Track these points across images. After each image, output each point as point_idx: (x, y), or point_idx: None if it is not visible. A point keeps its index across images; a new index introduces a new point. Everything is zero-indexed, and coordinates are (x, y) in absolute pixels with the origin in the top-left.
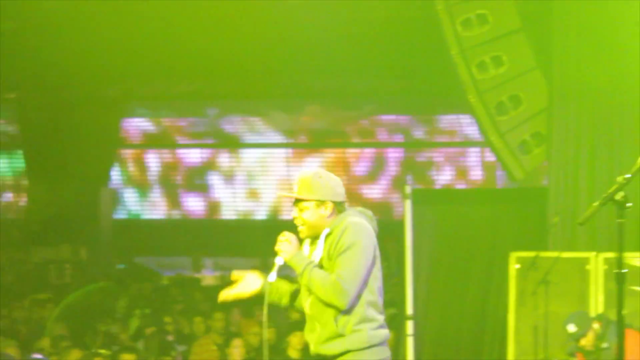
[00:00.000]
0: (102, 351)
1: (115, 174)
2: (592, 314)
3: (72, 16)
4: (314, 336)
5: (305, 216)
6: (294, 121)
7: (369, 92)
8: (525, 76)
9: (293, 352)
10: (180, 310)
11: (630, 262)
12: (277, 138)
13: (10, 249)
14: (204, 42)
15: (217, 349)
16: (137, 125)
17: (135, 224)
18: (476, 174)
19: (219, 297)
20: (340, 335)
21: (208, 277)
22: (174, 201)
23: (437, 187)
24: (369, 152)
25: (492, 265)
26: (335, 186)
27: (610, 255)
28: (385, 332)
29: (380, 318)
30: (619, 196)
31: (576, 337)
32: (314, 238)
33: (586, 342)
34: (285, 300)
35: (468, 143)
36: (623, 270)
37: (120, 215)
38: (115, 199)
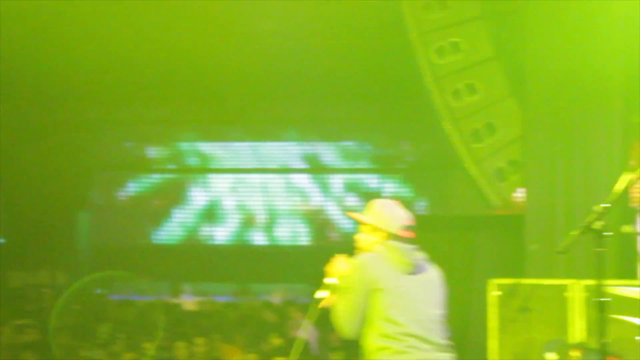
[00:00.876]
0: None
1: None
2: (572, 341)
3: (45, 39)
4: None
5: (359, 237)
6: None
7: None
8: (500, 104)
9: None
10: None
11: (612, 290)
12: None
13: None
14: (176, 67)
15: None
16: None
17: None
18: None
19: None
20: None
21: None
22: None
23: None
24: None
25: (471, 291)
26: (394, 218)
27: (591, 282)
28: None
29: (397, 345)
30: (597, 225)
31: None
32: None
33: None
34: None
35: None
36: (605, 299)
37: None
38: (93, 222)
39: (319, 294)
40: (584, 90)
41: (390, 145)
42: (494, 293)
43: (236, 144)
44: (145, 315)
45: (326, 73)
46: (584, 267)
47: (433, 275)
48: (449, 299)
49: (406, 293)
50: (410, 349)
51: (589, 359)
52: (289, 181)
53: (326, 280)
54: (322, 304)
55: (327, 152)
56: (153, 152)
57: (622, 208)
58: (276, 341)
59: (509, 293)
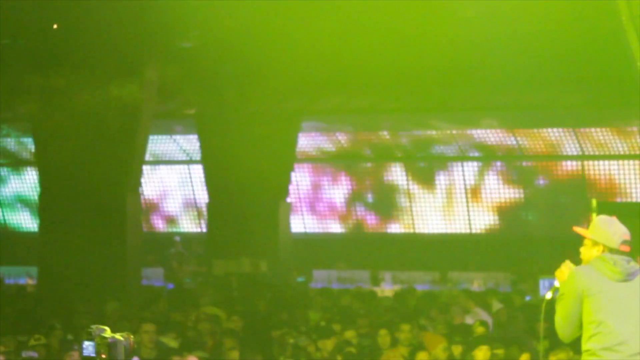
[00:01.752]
0: None
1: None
2: None
3: (249, 34)
4: None
5: (581, 250)
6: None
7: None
8: None
9: None
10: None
11: None
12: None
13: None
14: (377, 56)
15: None
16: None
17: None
18: None
19: None
20: None
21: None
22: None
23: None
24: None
25: None
26: (613, 233)
27: None
28: None
29: (594, 347)
30: None
31: None
32: None
33: None
34: None
35: None
36: None
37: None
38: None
39: (547, 295)
40: None
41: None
42: None
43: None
44: (345, 303)
45: (533, 58)
46: None
47: None
48: None
49: (615, 298)
50: (606, 350)
51: None
52: (492, 169)
53: (555, 283)
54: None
55: (534, 140)
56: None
57: None
58: (479, 329)
59: None
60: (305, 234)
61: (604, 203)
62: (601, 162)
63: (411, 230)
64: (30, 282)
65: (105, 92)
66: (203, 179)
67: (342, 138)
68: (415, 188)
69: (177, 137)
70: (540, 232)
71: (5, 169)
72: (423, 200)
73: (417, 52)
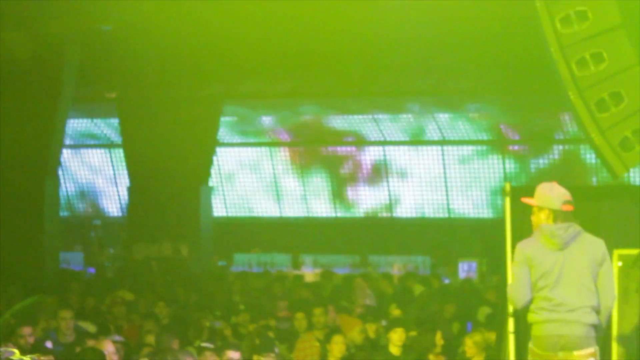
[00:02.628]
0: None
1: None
2: None
3: (169, 17)
4: None
5: (532, 219)
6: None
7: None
8: (627, 73)
9: (394, 349)
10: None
11: None
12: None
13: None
14: (298, 40)
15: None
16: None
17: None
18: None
19: None
20: None
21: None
22: None
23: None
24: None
25: None
26: (554, 197)
27: None
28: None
29: (542, 310)
30: None
31: None
32: None
33: None
34: None
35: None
36: None
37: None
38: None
39: None
40: None
41: (513, 115)
42: (617, 264)
43: (357, 116)
44: (263, 286)
45: (449, 43)
46: None
47: (583, 246)
48: None
49: (553, 265)
50: (542, 310)
51: None
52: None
53: None
54: None
55: (450, 124)
56: (273, 124)
57: None
58: (396, 312)
59: (631, 264)
60: (227, 217)
61: (518, 187)
62: (517, 147)
63: (333, 214)
64: None
65: (24, 74)
66: (124, 163)
67: (266, 122)
68: (338, 171)
69: (98, 120)
70: (460, 216)
71: None
72: (345, 184)
73: (337, 37)
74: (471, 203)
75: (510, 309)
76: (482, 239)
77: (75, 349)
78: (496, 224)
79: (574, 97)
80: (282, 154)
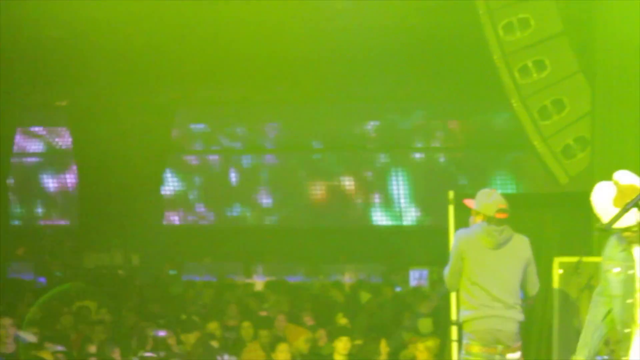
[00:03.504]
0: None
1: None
2: None
3: (120, 24)
4: None
5: (470, 219)
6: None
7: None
8: (569, 80)
9: (339, 357)
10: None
11: None
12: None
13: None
14: (249, 47)
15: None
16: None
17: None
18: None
19: None
20: None
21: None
22: None
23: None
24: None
25: (538, 270)
26: (490, 204)
27: None
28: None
29: (471, 302)
30: None
31: None
32: None
33: None
34: None
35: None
36: None
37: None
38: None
39: None
40: None
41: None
42: (557, 271)
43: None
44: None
45: (393, 49)
46: None
47: (514, 247)
48: None
49: (487, 262)
50: (483, 306)
51: None
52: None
53: None
54: None
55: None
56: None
57: None
58: (342, 320)
59: (572, 271)
60: (179, 226)
61: (462, 194)
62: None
63: (285, 222)
64: None
65: None
66: (75, 171)
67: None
68: (284, 180)
69: (47, 128)
70: (411, 223)
71: None
72: (294, 191)
73: (287, 43)
74: (420, 211)
75: (453, 317)
76: (432, 247)
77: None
78: (443, 231)
79: (517, 104)
80: (236, 161)
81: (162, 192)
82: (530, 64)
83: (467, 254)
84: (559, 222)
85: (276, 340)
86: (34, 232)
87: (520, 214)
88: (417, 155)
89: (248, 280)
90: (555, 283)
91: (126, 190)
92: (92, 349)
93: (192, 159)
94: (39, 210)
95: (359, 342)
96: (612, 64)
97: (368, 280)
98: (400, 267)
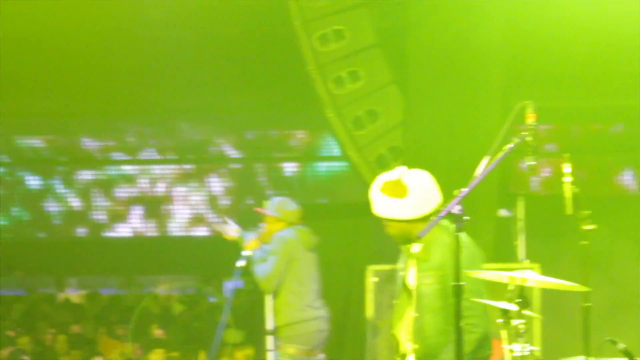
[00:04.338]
0: None
1: None
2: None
3: None
4: None
5: (267, 226)
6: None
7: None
8: (382, 91)
9: None
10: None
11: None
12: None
13: None
14: (62, 58)
15: None
16: None
17: None
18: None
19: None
20: None
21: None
22: None
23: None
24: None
25: (351, 278)
26: (291, 211)
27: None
28: None
29: (297, 302)
30: (456, 209)
31: None
32: None
33: None
34: None
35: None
36: (460, 283)
37: None
38: None
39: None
40: (465, 76)
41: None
42: (371, 279)
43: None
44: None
45: (209, 62)
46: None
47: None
48: (329, 285)
49: (307, 264)
50: (316, 310)
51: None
52: (183, 171)
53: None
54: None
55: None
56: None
57: (502, 192)
58: (156, 332)
59: (385, 279)
60: None
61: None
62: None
63: (97, 234)
64: None
65: None
66: None
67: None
68: (106, 193)
69: None
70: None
71: None
72: (114, 203)
73: (104, 55)
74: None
75: (269, 326)
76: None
77: None
78: None
79: (332, 115)
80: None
81: None
82: (344, 75)
83: (295, 254)
84: (372, 231)
85: (91, 354)
86: None
87: (334, 223)
88: (233, 166)
89: (61, 294)
90: (370, 291)
91: None
92: None
93: None
94: None
95: (175, 354)
96: (424, 75)
97: (183, 291)
98: (214, 278)
